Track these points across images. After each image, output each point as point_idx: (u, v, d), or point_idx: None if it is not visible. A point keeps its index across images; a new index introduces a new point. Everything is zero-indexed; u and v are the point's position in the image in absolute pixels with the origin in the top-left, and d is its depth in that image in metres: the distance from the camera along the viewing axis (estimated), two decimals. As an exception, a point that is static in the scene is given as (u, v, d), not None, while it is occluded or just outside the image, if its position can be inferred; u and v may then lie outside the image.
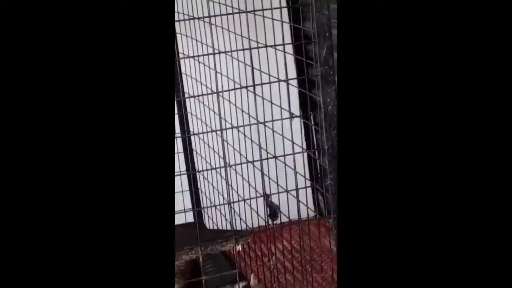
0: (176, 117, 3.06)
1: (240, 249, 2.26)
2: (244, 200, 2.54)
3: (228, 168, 2.20)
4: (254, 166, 2.48)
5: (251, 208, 2.65)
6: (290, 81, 2.23)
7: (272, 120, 2.28)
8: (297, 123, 2.81)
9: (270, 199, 3.28)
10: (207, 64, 2.71)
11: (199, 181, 3.12)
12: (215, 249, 2.21)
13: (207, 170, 2.78)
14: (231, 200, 2.33)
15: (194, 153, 3.13)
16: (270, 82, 2.26)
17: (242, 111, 2.64)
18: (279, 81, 2.33)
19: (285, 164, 2.36)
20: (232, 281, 2.65)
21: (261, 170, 2.37)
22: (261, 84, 2.26)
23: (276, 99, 2.41)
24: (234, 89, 2.30)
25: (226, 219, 2.81)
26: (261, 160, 2.29)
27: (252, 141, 2.54)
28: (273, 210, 3.38)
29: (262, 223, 2.80)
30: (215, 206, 2.51)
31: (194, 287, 2.57)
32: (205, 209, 3.08)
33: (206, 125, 2.93)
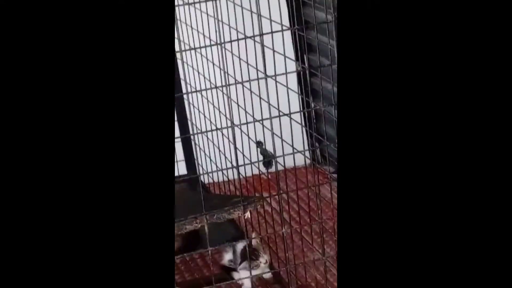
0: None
1: (249, 216, 2.00)
2: (246, 160, 2.27)
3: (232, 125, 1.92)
4: (252, 116, 2.21)
5: (243, 155, 2.38)
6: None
7: (275, 75, 2.00)
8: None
9: (263, 146, 3.05)
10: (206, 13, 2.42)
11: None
12: (222, 218, 1.94)
13: (201, 133, 2.50)
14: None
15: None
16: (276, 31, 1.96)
17: (243, 62, 2.34)
18: (282, 30, 2.04)
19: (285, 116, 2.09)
20: (233, 239, 2.43)
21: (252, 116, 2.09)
22: (261, 34, 1.96)
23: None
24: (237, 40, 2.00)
25: (222, 171, 2.60)
26: (270, 119, 2.00)
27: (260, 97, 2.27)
28: (266, 158, 3.15)
29: (256, 171, 2.61)
30: (221, 170, 2.23)
31: (193, 244, 2.35)
32: (198, 161, 2.83)
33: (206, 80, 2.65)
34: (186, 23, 2.71)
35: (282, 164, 2.22)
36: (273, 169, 2.96)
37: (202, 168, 2.85)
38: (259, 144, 3.04)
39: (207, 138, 2.77)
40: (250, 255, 2.29)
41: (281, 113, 2.06)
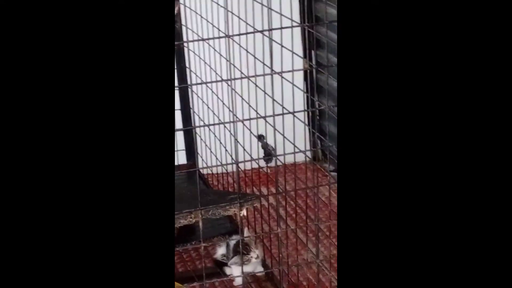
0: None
1: (245, 214, 1.92)
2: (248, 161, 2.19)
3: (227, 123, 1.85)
4: (255, 111, 2.13)
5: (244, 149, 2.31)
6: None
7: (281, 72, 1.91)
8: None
9: (264, 140, 2.97)
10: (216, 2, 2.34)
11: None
12: (217, 214, 1.86)
13: (203, 126, 2.42)
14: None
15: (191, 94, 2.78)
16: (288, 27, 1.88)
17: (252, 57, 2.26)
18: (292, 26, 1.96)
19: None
20: (226, 233, 2.36)
21: (257, 111, 2.01)
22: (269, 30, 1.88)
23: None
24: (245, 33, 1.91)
25: (220, 162, 2.52)
26: (274, 116, 1.93)
27: (265, 92, 2.19)
28: (267, 152, 3.07)
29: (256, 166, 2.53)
30: (217, 165, 2.15)
31: (187, 236, 2.28)
32: (198, 151, 2.76)
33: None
34: (196, 11, 2.63)
35: (282, 160, 2.16)
36: (273, 164, 2.89)
37: (202, 159, 2.77)
38: (260, 137, 2.97)
39: (209, 129, 2.69)
40: (242, 250, 2.23)
41: (285, 111, 1.98)
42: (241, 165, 2.38)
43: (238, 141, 1.89)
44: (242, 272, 2.12)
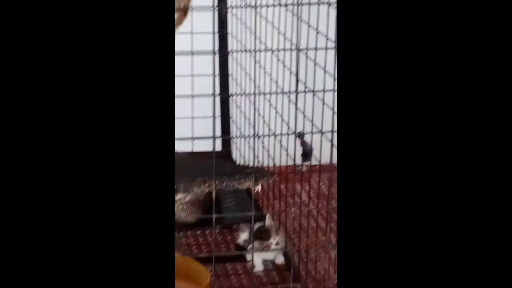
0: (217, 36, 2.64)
1: (259, 189, 1.88)
2: (275, 136, 2.15)
3: (259, 96, 1.81)
4: (289, 99, 2.09)
5: (280, 144, 2.26)
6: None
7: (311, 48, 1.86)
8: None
9: (303, 137, 2.91)
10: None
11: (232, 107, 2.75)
12: (230, 186, 1.82)
13: (236, 95, 2.38)
14: (259, 132, 1.93)
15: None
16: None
17: (279, 32, 2.22)
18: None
19: (323, 102, 1.95)
20: (249, 220, 2.32)
21: (296, 105, 1.97)
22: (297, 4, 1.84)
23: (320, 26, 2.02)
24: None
25: (253, 152, 2.47)
26: (296, 92, 1.88)
27: (290, 71, 2.14)
28: (305, 150, 3.01)
29: (292, 162, 2.46)
30: (243, 137, 2.11)
31: (209, 221, 2.27)
32: (233, 139, 2.72)
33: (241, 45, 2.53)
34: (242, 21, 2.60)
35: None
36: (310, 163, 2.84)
37: (236, 145, 2.73)
38: (299, 135, 2.91)
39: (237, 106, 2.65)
40: (262, 235, 2.19)
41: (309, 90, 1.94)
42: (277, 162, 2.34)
43: (259, 113, 1.84)
44: (253, 249, 2.05)
